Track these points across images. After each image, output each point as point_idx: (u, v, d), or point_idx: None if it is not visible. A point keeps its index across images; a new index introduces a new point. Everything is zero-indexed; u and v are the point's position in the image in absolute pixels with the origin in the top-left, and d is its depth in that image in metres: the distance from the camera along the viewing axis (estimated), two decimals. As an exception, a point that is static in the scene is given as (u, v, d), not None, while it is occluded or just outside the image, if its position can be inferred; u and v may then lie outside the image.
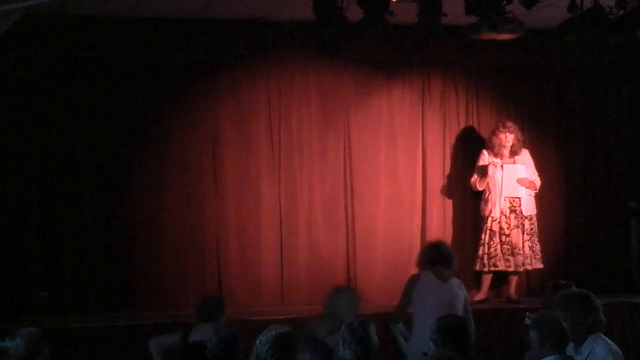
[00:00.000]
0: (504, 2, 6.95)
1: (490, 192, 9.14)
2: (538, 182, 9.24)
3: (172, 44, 8.74)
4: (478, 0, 6.87)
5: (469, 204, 9.66)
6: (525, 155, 9.26)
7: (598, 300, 4.97)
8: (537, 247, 9.16)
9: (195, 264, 8.99)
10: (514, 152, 9.19)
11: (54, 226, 8.66)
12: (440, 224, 9.60)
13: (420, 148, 9.63)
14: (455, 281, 6.77)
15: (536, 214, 9.20)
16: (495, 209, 9.07)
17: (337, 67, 9.41)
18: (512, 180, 9.09)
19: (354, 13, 6.97)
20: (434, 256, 6.82)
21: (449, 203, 9.65)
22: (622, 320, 8.76)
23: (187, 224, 8.99)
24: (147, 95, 8.98)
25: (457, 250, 9.55)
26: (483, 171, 9.15)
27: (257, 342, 4.46)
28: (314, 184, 9.35)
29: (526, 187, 9.10)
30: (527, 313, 5.30)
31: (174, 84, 9.05)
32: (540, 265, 9.18)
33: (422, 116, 9.67)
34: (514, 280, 9.26)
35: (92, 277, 8.70)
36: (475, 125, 9.80)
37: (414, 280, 6.75)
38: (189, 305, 8.51)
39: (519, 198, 9.09)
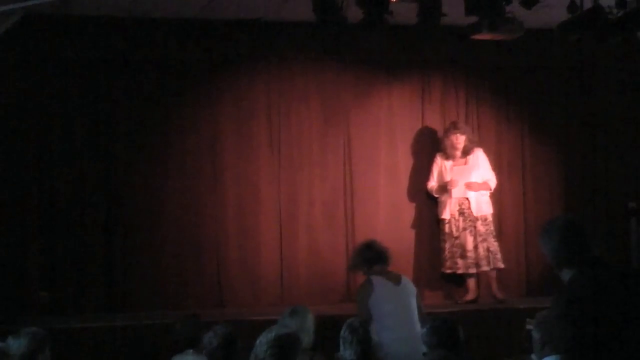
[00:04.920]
0: (504, 2, 6.96)
1: (442, 195, 9.14)
2: (492, 182, 9.14)
3: (172, 44, 8.75)
4: (478, 1, 6.87)
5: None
6: (477, 154, 9.14)
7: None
8: (495, 247, 9.00)
9: (195, 264, 8.99)
10: (465, 153, 9.09)
11: (54, 226, 8.66)
12: (440, 224, 9.62)
13: (420, 148, 9.63)
14: (405, 279, 6.74)
15: (492, 213, 9.10)
16: (446, 211, 9.06)
17: (337, 67, 9.41)
18: (461, 181, 9.02)
19: (354, 13, 6.97)
20: (369, 255, 6.76)
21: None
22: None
23: (187, 224, 8.99)
24: (147, 95, 8.98)
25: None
26: (444, 189, 9.08)
27: (257, 342, 4.46)
28: (314, 184, 9.35)
29: (475, 191, 9.01)
30: (527, 319, 5.29)
31: (174, 84, 9.05)
32: (500, 266, 9.03)
33: (422, 116, 9.67)
34: (492, 279, 9.14)
35: (92, 277, 8.69)
36: (475, 125, 9.79)
37: (368, 289, 6.59)
38: (189, 306, 8.55)
39: (467, 199, 9.00)
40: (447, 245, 9.08)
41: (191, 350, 5.52)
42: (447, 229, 9.08)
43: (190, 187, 9.04)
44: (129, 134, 8.92)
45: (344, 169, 9.44)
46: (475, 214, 9.00)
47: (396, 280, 6.62)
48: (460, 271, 9.06)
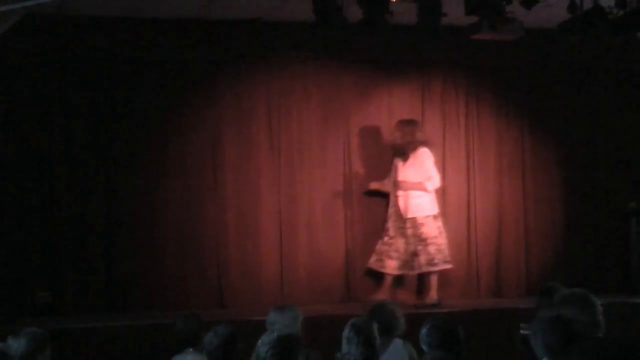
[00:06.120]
0: (504, 2, 6.96)
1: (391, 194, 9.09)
2: (431, 183, 8.89)
3: (172, 44, 8.75)
4: (478, 0, 6.88)
5: (468, 203, 9.67)
6: (419, 154, 8.94)
7: (597, 300, 4.95)
8: (425, 250, 8.78)
9: (195, 264, 8.99)
10: (406, 152, 8.97)
11: (54, 226, 8.66)
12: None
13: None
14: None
15: (427, 216, 8.85)
16: (388, 210, 9.04)
17: (337, 67, 9.41)
18: (396, 180, 8.98)
19: (354, 13, 6.97)
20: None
21: (449, 203, 9.64)
22: (622, 321, 8.74)
23: (187, 224, 8.99)
24: (147, 95, 8.98)
25: (455, 249, 9.64)
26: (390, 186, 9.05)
27: (259, 342, 4.45)
28: (314, 184, 9.35)
29: (405, 190, 8.88)
30: (521, 324, 5.27)
31: (174, 84, 9.05)
32: (425, 270, 8.83)
33: (422, 116, 9.67)
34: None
35: (92, 277, 8.69)
36: (475, 125, 9.80)
37: None
38: (189, 306, 8.55)
39: (398, 199, 8.91)
40: (379, 242, 8.96)
41: (191, 349, 5.50)
42: (386, 226, 8.98)
43: (190, 187, 9.04)
44: (129, 134, 8.92)
45: (344, 169, 9.44)
46: (404, 214, 8.85)
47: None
48: (384, 270, 8.92)
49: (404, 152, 8.95)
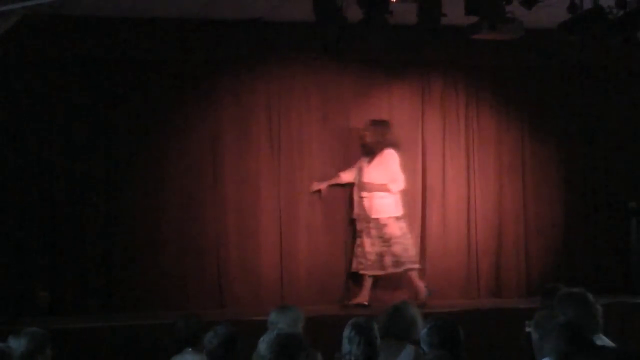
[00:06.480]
0: (504, 2, 6.96)
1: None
2: (395, 185, 8.87)
3: (172, 44, 8.75)
4: (478, 0, 6.88)
5: (468, 203, 9.67)
6: (385, 155, 8.94)
7: (596, 301, 4.96)
8: (389, 250, 8.76)
9: (195, 264, 8.99)
10: (372, 152, 8.98)
11: (54, 226, 8.66)
12: (440, 224, 9.61)
13: (420, 148, 9.63)
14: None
15: (390, 217, 8.82)
16: (354, 210, 9.04)
17: (337, 67, 9.40)
18: (361, 181, 8.98)
19: (354, 13, 6.97)
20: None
21: (449, 203, 9.65)
22: (622, 320, 8.75)
23: (187, 224, 8.99)
24: (147, 95, 8.98)
25: (455, 249, 9.64)
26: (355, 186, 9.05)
27: (260, 341, 4.44)
28: (314, 184, 9.35)
29: (368, 191, 8.88)
30: (526, 322, 5.27)
31: (174, 84, 9.05)
32: (392, 270, 8.81)
33: (422, 116, 9.67)
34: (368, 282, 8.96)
35: (92, 277, 8.70)
36: (475, 125, 9.80)
37: None
38: (189, 306, 8.55)
39: (363, 200, 8.91)
40: (355, 245, 8.98)
41: (190, 349, 5.49)
42: (357, 228, 9.00)
43: (190, 187, 9.04)
44: (129, 134, 8.92)
45: (344, 168, 9.43)
46: (369, 215, 8.85)
47: None
48: (361, 271, 8.90)
49: (372, 151, 8.97)
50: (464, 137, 9.77)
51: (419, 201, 9.57)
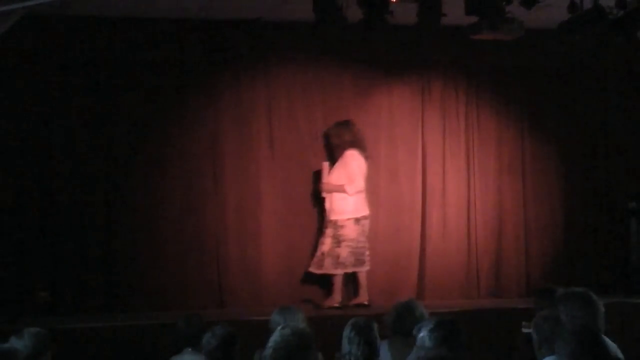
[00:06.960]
0: (504, 2, 6.96)
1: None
2: (349, 187, 8.74)
3: (172, 44, 8.75)
4: (478, 1, 6.88)
5: (468, 203, 9.68)
6: (345, 155, 8.88)
7: (599, 300, 4.95)
8: (335, 251, 8.69)
9: (195, 264, 8.99)
10: (337, 153, 8.97)
11: (54, 226, 8.66)
12: (440, 224, 9.61)
13: (420, 148, 9.63)
14: None
15: (348, 219, 8.74)
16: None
17: (337, 67, 9.41)
18: (321, 181, 8.96)
19: (354, 13, 6.97)
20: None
21: (449, 203, 9.65)
22: (622, 321, 8.75)
23: (187, 223, 8.99)
24: (147, 95, 8.97)
25: (455, 249, 9.64)
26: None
27: (272, 337, 4.38)
28: (314, 184, 9.34)
29: (327, 192, 8.84)
30: (523, 322, 5.27)
31: (174, 84, 9.05)
32: (324, 271, 8.76)
33: (422, 116, 9.67)
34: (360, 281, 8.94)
35: (92, 277, 8.69)
36: (475, 125, 9.80)
37: None
38: (189, 306, 8.55)
39: (324, 201, 8.89)
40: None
41: (190, 349, 5.48)
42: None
43: (190, 186, 9.04)
44: (129, 133, 8.92)
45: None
46: (328, 216, 8.83)
47: None
48: (320, 271, 8.84)
49: (337, 153, 8.97)
50: (464, 137, 9.77)
51: (419, 201, 9.57)
